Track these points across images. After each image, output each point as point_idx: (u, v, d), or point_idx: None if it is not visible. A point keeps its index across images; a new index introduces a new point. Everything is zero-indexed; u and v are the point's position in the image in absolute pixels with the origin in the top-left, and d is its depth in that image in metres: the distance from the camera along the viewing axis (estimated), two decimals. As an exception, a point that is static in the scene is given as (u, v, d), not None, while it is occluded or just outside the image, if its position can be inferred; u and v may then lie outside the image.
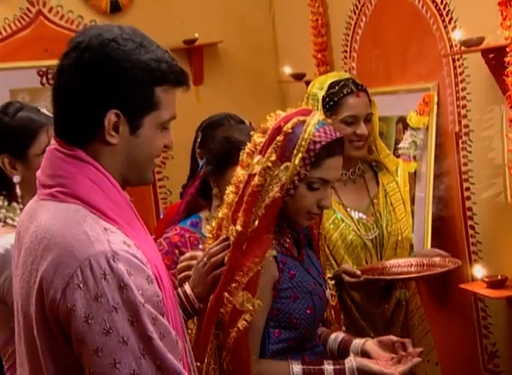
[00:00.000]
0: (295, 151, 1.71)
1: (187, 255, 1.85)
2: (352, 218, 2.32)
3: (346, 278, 2.15)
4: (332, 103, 2.26)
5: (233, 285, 1.68)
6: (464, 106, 2.72)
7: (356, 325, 2.28)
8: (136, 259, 1.23)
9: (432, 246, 2.68)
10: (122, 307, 1.19)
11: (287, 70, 3.75)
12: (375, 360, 1.73)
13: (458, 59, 2.72)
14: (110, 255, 1.20)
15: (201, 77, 3.94)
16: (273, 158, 1.72)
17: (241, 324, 1.67)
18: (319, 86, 2.30)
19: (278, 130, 1.73)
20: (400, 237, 2.31)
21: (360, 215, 2.33)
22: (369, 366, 1.70)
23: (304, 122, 1.74)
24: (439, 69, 2.81)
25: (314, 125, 1.73)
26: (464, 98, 2.72)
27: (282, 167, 1.71)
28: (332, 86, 2.27)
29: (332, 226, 2.28)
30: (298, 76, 3.66)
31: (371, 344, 1.78)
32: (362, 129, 2.24)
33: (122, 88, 1.28)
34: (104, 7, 3.76)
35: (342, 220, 2.30)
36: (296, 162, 1.71)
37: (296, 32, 3.83)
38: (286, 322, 1.75)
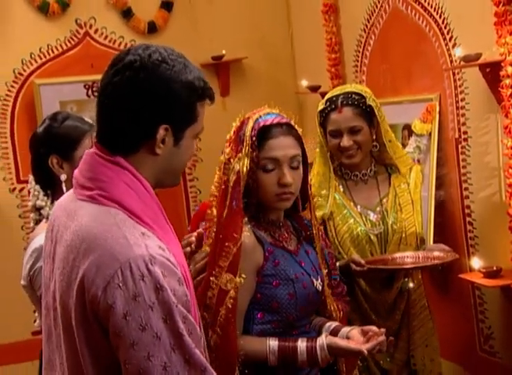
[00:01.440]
0: (244, 143, 1.73)
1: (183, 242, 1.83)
2: (360, 214, 2.31)
3: (353, 266, 2.16)
4: (322, 118, 2.31)
5: (217, 269, 1.69)
6: (463, 115, 2.70)
7: (360, 308, 2.29)
8: (169, 263, 1.22)
9: (434, 240, 2.67)
10: (157, 306, 1.18)
11: (304, 83, 3.74)
12: (346, 339, 1.72)
13: (458, 73, 2.70)
14: (148, 259, 1.19)
15: (228, 89, 3.94)
16: (229, 154, 1.75)
17: (229, 302, 1.68)
18: (322, 101, 2.34)
19: (233, 132, 1.79)
20: (403, 235, 2.30)
21: (369, 212, 2.32)
22: (337, 343, 1.68)
23: (249, 118, 1.77)
24: (441, 81, 2.79)
25: (257, 118, 1.75)
26: (463, 107, 2.70)
27: (236, 159, 1.73)
28: (326, 102, 2.30)
29: (341, 220, 2.29)
30: (314, 88, 3.66)
31: (354, 331, 1.74)
32: (344, 141, 2.25)
33: (172, 106, 1.27)
34: (142, 28, 3.77)
35: (351, 216, 2.30)
36: (246, 150, 1.72)
37: (312, 49, 3.82)
38: (268, 305, 1.74)
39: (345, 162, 2.31)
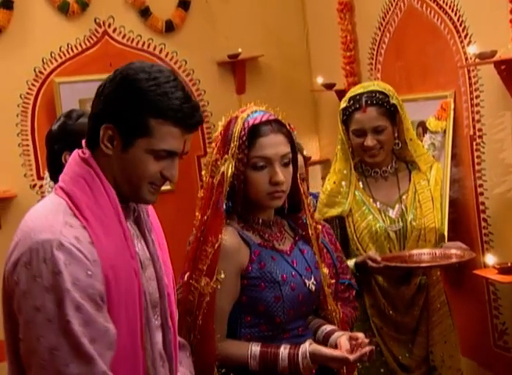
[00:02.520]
0: (231, 144, 1.67)
1: None
2: (380, 211, 2.31)
3: (369, 263, 2.16)
4: (345, 117, 2.29)
5: (197, 273, 1.66)
6: (478, 112, 2.69)
7: (378, 303, 2.28)
8: (79, 253, 1.24)
9: (449, 236, 2.64)
10: (52, 290, 1.21)
11: (319, 80, 3.73)
12: (330, 347, 1.65)
13: (473, 70, 2.68)
14: (55, 244, 1.23)
15: (244, 87, 3.94)
16: (216, 155, 1.70)
17: (205, 306, 1.64)
18: (345, 99, 2.33)
19: (220, 131, 1.73)
20: (422, 231, 2.29)
21: (388, 209, 2.32)
22: (321, 351, 1.62)
23: (236, 117, 1.71)
24: (456, 79, 2.77)
25: (245, 117, 1.69)
26: (477, 104, 2.68)
27: (223, 160, 1.68)
28: (349, 100, 2.28)
29: (360, 217, 2.28)
30: (329, 86, 3.64)
31: (343, 338, 1.66)
32: (367, 141, 2.25)
33: (120, 109, 1.30)
34: (160, 27, 3.77)
35: (370, 212, 2.29)
36: (232, 151, 1.66)
37: (327, 47, 3.81)
38: (254, 308, 1.68)
39: (368, 160, 2.30)
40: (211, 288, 1.64)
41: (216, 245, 1.64)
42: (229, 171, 1.66)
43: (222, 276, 1.65)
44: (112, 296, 1.27)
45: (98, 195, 1.31)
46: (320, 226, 1.86)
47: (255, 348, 1.65)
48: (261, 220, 1.74)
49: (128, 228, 1.35)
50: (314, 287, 1.74)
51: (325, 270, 1.82)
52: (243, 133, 1.67)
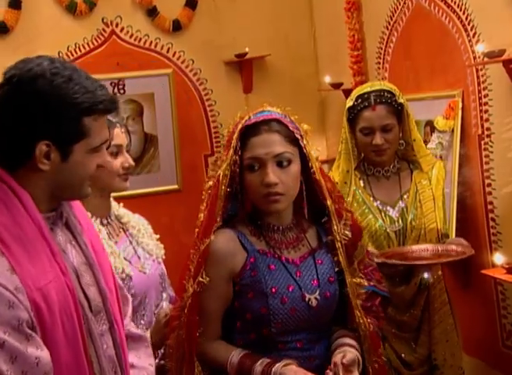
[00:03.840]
0: (230, 145, 1.65)
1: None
2: (380, 210, 2.30)
3: None
4: (352, 115, 2.28)
5: (187, 273, 1.65)
6: (486, 111, 2.67)
7: None
8: None
9: (456, 236, 2.63)
10: None
11: (326, 80, 3.72)
12: (304, 371, 1.56)
13: (481, 69, 2.66)
14: None
15: (251, 86, 3.93)
16: (220, 158, 1.69)
17: (187, 307, 1.63)
18: (351, 97, 2.32)
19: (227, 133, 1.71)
20: (422, 232, 2.29)
21: (388, 208, 2.31)
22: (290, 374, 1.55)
23: (242, 119, 1.69)
24: (464, 78, 2.76)
25: (246, 119, 1.66)
26: (486, 103, 2.66)
27: (221, 162, 1.67)
28: (357, 98, 2.27)
29: (360, 216, 2.28)
30: (336, 85, 3.63)
31: (339, 356, 1.59)
32: (376, 139, 2.24)
33: (51, 122, 1.22)
34: (167, 26, 3.77)
35: (370, 212, 2.29)
36: (231, 153, 1.64)
37: (334, 46, 3.80)
38: (243, 315, 1.66)
39: (375, 159, 2.29)
40: (193, 289, 1.62)
41: (202, 248, 1.62)
42: (226, 173, 1.64)
43: (207, 279, 1.62)
44: (45, 318, 1.21)
45: (16, 214, 1.22)
46: (349, 233, 1.73)
47: (235, 357, 1.62)
48: (271, 225, 1.68)
49: (54, 243, 1.27)
50: (315, 302, 1.65)
51: (356, 280, 1.71)
52: (237, 134, 1.64)
